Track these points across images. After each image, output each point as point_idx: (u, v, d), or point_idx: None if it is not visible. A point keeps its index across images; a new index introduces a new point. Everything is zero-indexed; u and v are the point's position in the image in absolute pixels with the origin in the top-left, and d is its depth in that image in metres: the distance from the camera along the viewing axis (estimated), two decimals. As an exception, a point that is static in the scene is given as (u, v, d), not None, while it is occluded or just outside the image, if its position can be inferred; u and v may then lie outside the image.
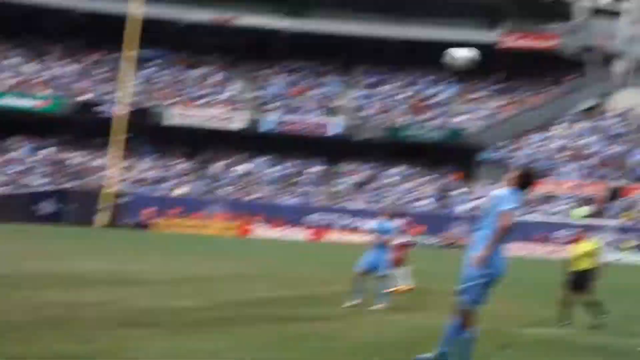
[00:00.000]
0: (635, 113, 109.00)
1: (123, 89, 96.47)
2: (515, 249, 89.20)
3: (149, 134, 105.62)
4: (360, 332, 20.30)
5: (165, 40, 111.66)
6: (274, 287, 30.78)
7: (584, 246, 25.70)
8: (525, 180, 15.32)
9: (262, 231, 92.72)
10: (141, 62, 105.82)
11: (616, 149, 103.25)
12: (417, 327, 22.00)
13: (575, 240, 25.00)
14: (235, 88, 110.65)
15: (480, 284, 14.48)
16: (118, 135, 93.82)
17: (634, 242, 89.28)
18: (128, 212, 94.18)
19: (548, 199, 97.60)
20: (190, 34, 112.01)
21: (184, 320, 19.88)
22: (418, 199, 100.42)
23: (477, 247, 14.51)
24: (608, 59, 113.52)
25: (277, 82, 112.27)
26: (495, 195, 15.11)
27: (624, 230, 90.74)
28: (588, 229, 33.17)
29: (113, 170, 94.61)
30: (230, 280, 31.51)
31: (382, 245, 26.18)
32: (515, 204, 14.56)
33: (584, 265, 25.29)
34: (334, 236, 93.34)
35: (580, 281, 25.14)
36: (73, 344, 15.62)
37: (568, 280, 25.34)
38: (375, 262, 25.82)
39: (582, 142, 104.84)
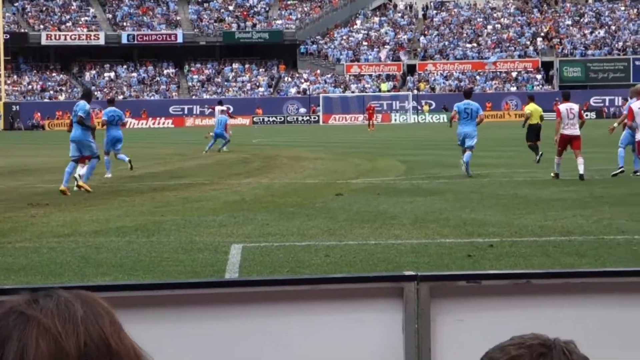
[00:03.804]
0: (415, 7, 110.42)
1: None
2: (337, 120, 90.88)
3: (29, 54, 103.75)
4: (221, 194, 20.10)
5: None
6: (147, 165, 30.29)
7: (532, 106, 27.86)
8: None
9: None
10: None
11: (405, 36, 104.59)
12: (261, 186, 21.95)
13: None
14: (92, 12, 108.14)
15: None
16: (3, 57, 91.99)
17: (428, 107, 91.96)
18: (21, 118, 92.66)
19: (358, 78, 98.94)
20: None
21: (78, 198, 19.41)
22: (255, 88, 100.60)
23: None
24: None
25: (127, 4, 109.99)
26: None
27: (420, 97, 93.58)
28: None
29: (2, 85, 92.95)
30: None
31: None
32: None
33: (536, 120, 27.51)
34: (190, 122, 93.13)
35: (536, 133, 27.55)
36: (-10, 224, 15.11)
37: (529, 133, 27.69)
38: None
39: (377, 32, 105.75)
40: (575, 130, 21.94)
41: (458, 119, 23.58)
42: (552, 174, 21.91)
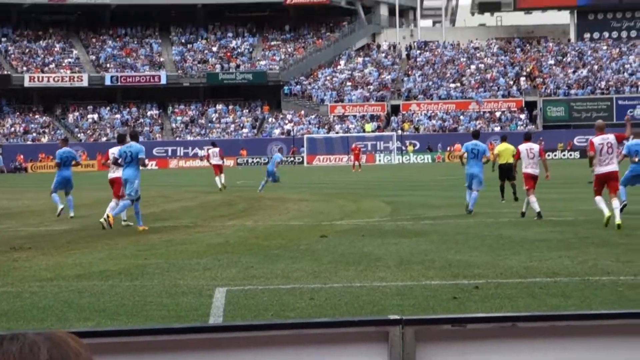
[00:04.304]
0: (399, 47, 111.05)
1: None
2: (321, 161, 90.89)
3: (12, 96, 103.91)
4: (205, 236, 20.05)
5: (12, 19, 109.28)
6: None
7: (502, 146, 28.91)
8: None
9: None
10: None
11: (388, 76, 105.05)
12: (246, 228, 21.92)
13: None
14: (76, 54, 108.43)
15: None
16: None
17: (412, 147, 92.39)
18: (4, 160, 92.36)
19: (342, 119, 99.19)
20: (32, 12, 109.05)
21: (61, 241, 19.34)
22: (239, 129, 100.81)
23: None
24: (372, 6, 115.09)
25: (110, 45, 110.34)
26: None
27: (404, 137, 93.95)
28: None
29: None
30: (92, 206, 30.76)
31: None
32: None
33: (505, 160, 28.22)
34: (174, 164, 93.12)
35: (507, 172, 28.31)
36: (-29, 268, 15.01)
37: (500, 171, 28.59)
38: None
39: (361, 72, 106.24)
40: (536, 170, 22.79)
41: (466, 158, 24.65)
42: (535, 218, 21.99)
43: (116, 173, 23.10)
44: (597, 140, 19.96)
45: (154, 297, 11.76)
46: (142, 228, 21.21)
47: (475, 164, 24.39)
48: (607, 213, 19.57)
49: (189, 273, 13.93)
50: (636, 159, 23.43)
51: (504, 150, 29.07)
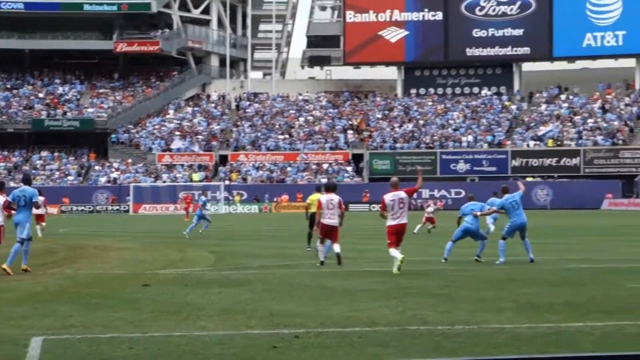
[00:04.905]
0: (228, 98, 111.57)
1: None
2: (148, 209, 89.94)
3: None
4: (24, 284, 19.55)
5: None
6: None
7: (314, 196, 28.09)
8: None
9: None
10: None
11: (217, 126, 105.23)
12: (66, 276, 21.52)
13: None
14: None
15: None
16: None
17: (239, 197, 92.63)
18: None
19: (170, 168, 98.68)
20: None
21: None
22: (63, 176, 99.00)
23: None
24: (203, 57, 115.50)
25: None
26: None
27: (232, 187, 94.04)
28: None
29: None
30: None
31: None
32: None
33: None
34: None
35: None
36: None
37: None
38: None
39: (190, 122, 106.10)
40: (334, 221, 23.56)
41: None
42: (317, 264, 23.35)
43: None
44: (388, 197, 21.56)
45: (-34, 347, 11.39)
46: (24, 267, 21.78)
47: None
48: (398, 261, 20.80)
49: (5, 322, 13.56)
50: (477, 214, 24.43)
51: (315, 200, 29.16)
